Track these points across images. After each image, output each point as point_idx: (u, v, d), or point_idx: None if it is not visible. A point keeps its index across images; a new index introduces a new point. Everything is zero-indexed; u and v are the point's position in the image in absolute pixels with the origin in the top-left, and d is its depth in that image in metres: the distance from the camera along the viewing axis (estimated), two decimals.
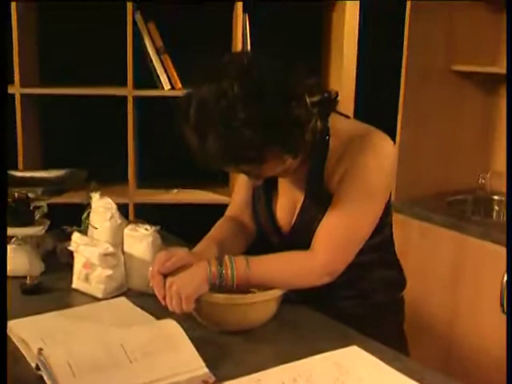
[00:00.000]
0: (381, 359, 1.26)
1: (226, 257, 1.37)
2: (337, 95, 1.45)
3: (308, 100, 1.34)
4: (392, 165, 1.44)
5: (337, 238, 1.40)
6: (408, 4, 2.54)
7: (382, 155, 1.41)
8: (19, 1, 2.50)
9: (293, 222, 1.51)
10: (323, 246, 1.40)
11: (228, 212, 1.68)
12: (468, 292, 2.35)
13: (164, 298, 1.35)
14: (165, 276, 1.36)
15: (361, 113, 2.73)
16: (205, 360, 1.21)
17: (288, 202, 1.53)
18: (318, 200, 1.45)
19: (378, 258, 1.54)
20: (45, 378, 1.14)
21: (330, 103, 1.43)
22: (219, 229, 1.60)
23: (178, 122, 1.35)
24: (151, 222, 1.67)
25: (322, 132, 1.41)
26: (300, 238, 1.47)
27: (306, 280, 1.41)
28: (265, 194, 1.57)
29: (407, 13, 2.55)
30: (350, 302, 1.54)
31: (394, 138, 2.64)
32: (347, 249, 1.41)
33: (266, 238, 1.61)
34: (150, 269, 1.38)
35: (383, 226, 1.50)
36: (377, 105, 2.95)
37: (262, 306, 1.38)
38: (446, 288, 2.43)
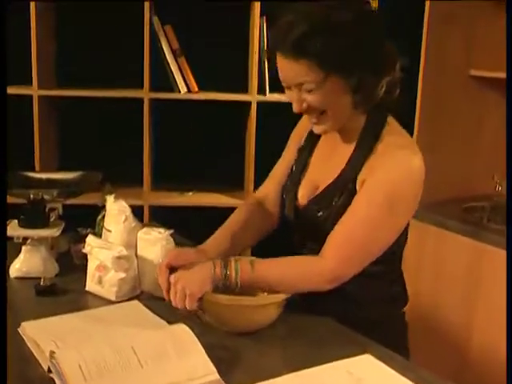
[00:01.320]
0: (393, 368, 1.24)
1: (232, 258, 1.37)
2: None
3: (398, 67, 1.40)
4: (421, 183, 1.42)
5: (350, 247, 1.37)
6: (427, 7, 2.51)
7: (413, 172, 1.40)
8: (38, 0, 2.52)
9: (311, 197, 1.51)
10: (334, 252, 1.37)
11: (257, 193, 1.69)
12: (484, 301, 2.32)
13: (168, 291, 1.36)
14: (171, 272, 1.38)
15: None
16: (216, 366, 1.20)
17: (312, 182, 1.53)
18: (345, 188, 1.43)
19: (381, 271, 1.47)
20: (56, 380, 1.14)
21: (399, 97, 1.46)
22: (240, 213, 1.62)
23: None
24: (166, 225, 1.68)
25: (378, 121, 1.43)
26: (312, 215, 1.48)
27: (311, 284, 1.39)
28: (302, 165, 1.58)
29: (426, 16, 2.52)
30: (347, 312, 1.46)
31: None
32: (359, 258, 1.39)
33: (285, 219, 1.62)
34: (159, 261, 1.42)
35: (397, 242, 1.45)
36: (395, 111, 2.94)
37: (262, 309, 1.37)
38: (462, 296, 2.40)
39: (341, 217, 1.40)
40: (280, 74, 1.39)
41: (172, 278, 1.36)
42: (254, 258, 1.43)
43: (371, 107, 1.43)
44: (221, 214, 2.03)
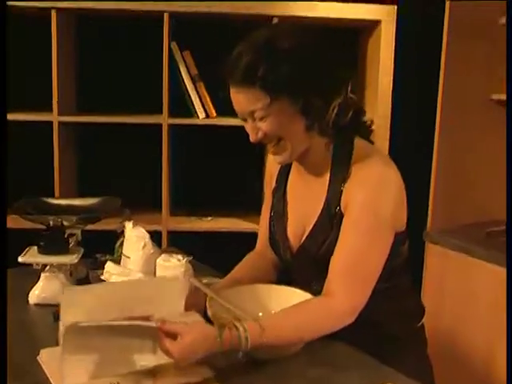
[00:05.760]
0: None
1: (239, 325, 1.28)
2: (371, 124, 1.49)
3: (349, 89, 1.39)
4: (400, 194, 1.43)
5: (353, 275, 1.36)
6: (445, 31, 2.50)
7: (390, 185, 1.40)
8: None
9: (302, 240, 1.51)
10: (340, 285, 1.35)
11: (256, 247, 1.71)
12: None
13: None
14: None
15: (397, 141, 2.70)
16: None
17: (297, 221, 1.54)
18: (333, 218, 1.43)
19: (387, 288, 1.46)
20: None
21: (359, 119, 1.46)
22: (242, 266, 1.63)
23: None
24: (184, 250, 1.67)
25: (346, 146, 1.43)
26: (310, 254, 1.48)
27: (331, 326, 1.35)
28: (281, 207, 1.59)
29: (444, 40, 2.51)
30: (361, 335, 1.41)
31: (430, 166, 2.61)
32: (364, 282, 1.37)
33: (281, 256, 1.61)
34: None
35: (393, 256, 1.44)
36: (413, 134, 2.92)
37: None
38: (486, 325, 2.35)
39: None
40: (234, 107, 1.43)
41: (172, 345, 1.21)
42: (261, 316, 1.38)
43: (335, 135, 1.43)
44: (240, 239, 2.03)
